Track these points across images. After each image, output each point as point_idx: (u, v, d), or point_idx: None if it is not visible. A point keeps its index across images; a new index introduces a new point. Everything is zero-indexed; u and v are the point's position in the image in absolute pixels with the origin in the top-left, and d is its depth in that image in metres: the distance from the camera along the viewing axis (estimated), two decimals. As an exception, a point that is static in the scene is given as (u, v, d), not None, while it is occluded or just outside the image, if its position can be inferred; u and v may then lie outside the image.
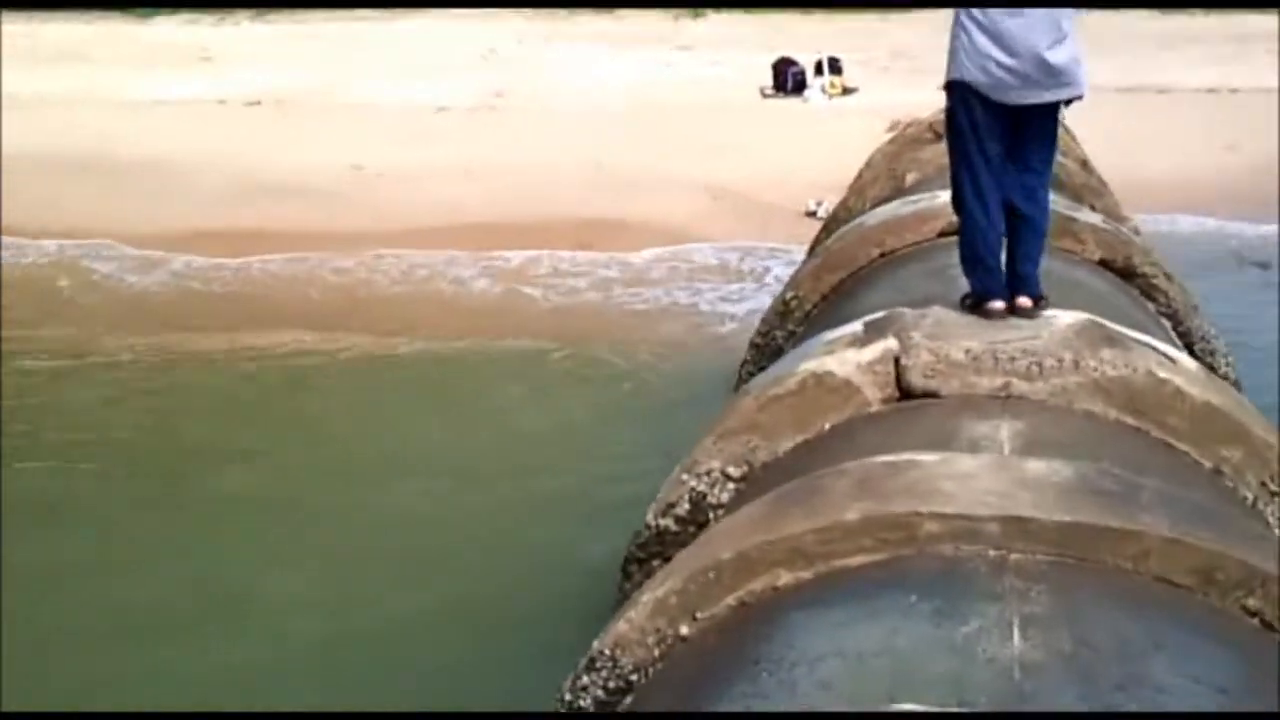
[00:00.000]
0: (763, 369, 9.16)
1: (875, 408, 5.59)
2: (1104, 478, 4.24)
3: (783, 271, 12.69)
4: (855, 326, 6.07)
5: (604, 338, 12.23)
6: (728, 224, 15.38)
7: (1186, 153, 17.31)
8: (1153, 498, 4.10)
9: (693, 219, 15.36)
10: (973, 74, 6.07)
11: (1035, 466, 4.29)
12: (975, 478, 4.17)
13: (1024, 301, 6.14)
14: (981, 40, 6.01)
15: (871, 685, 3.25)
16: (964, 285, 7.15)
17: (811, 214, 15.40)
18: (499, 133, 19.73)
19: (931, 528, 3.88)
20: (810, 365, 5.72)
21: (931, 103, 13.71)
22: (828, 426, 5.59)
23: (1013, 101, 6.08)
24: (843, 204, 12.68)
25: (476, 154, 18.16)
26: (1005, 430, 5.06)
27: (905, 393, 5.57)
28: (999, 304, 6.15)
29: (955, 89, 6.24)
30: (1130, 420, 5.36)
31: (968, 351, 5.52)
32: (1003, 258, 6.35)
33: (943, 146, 12.36)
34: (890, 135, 20.05)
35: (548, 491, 8.98)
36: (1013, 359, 5.48)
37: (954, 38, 6.17)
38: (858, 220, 9.59)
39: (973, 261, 6.39)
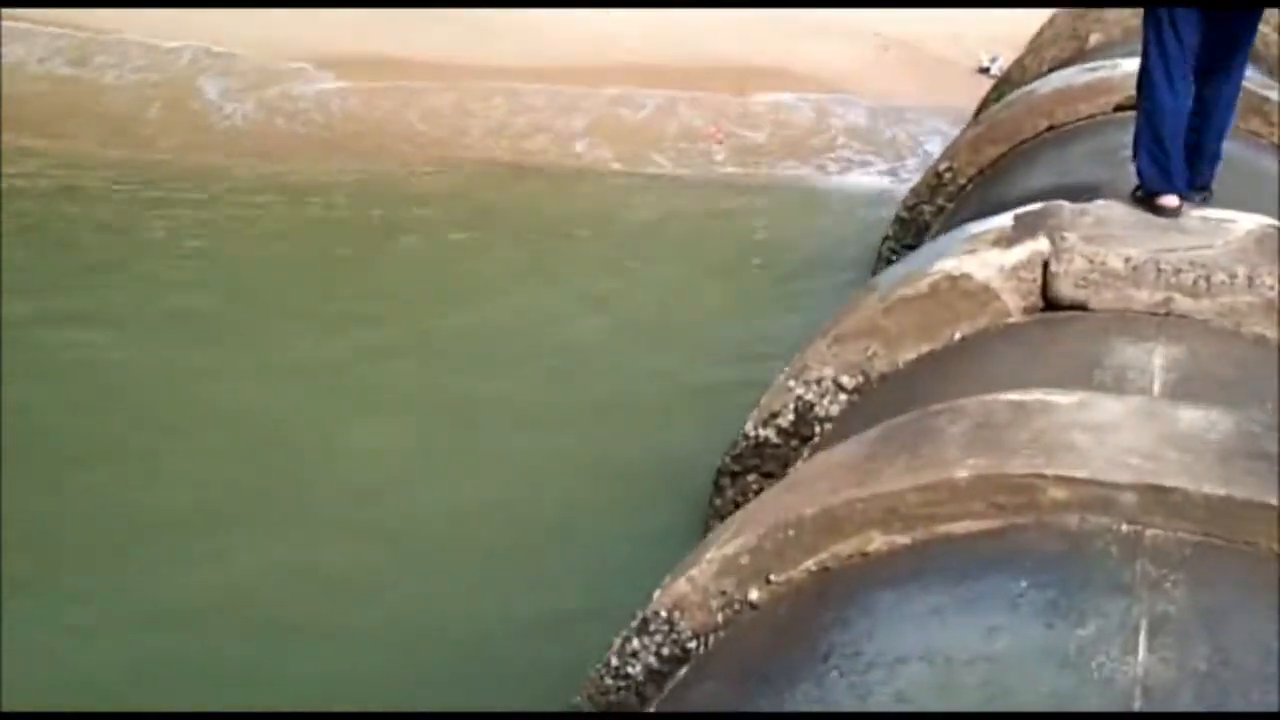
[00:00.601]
0: (907, 246, 8.51)
1: (1015, 318, 4.93)
2: (1270, 435, 3.55)
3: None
4: (1004, 220, 5.37)
5: (723, 209, 11.33)
6: (894, 78, 14.45)
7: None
8: (1330, 466, 3.41)
9: (857, 71, 14.47)
10: None
11: (1189, 417, 3.62)
12: (1115, 430, 3.52)
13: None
14: None
15: (957, 703, 2.69)
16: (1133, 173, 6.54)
17: (984, 70, 14.44)
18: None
19: (1056, 494, 3.26)
20: (946, 264, 5.06)
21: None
22: (958, 337, 4.95)
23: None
24: (1017, 63, 11.78)
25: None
26: (1159, 357, 4.39)
27: (1051, 303, 4.90)
28: (1173, 199, 5.47)
29: None
30: (1308, 350, 4.65)
31: (1127, 260, 4.81)
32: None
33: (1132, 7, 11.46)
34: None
35: (643, 391, 8.09)
36: (1178, 271, 4.77)
37: None
38: (1028, 87, 8.76)
39: (1151, 147, 5.67)
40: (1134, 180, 5.97)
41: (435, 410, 7.83)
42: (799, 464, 4.63)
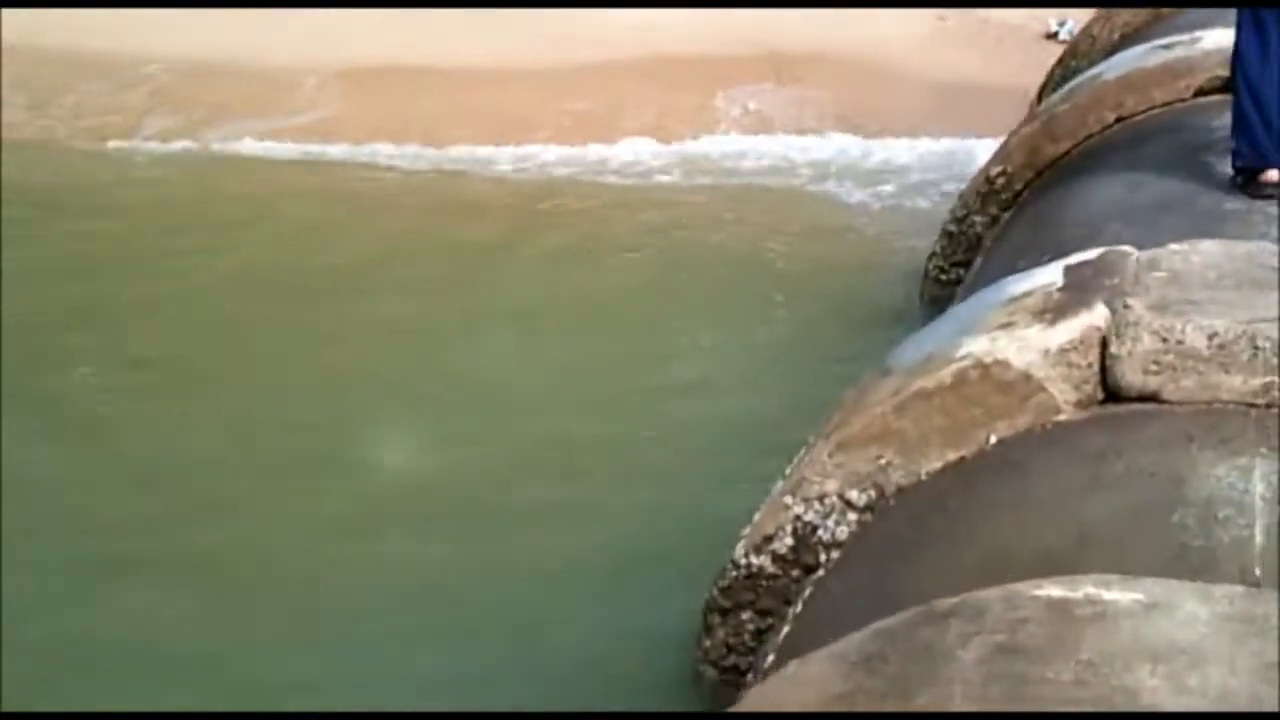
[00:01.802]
0: (958, 264, 7.34)
1: (1066, 414, 3.76)
2: None
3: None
4: (1051, 275, 4.19)
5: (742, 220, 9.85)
6: (953, 51, 13.12)
7: None
8: None
9: (911, 48, 13.16)
10: None
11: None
12: (1200, 659, 2.38)
13: None
14: None
15: None
16: (1222, 171, 5.66)
17: (1053, 35, 13.10)
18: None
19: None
20: (976, 346, 3.90)
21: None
22: (993, 440, 3.79)
23: None
24: (1085, 31, 10.50)
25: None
26: (1259, 481, 3.23)
27: (1113, 393, 3.73)
28: (1273, 174, 5.28)
29: None
30: None
31: (1212, 336, 3.62)
32: None
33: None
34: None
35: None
36: (1283, 348, 3.58)
37: None
38: (1092, 72, 7.51)
39: (1244, 121, 5.47)
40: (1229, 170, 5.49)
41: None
42: (755, 688, 3.48)
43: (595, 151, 11.39)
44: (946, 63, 12.78)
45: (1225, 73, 6.66)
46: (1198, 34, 7.17)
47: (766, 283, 8.45)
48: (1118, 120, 6.87)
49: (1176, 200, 5.33)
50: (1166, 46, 7.15)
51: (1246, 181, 5.38)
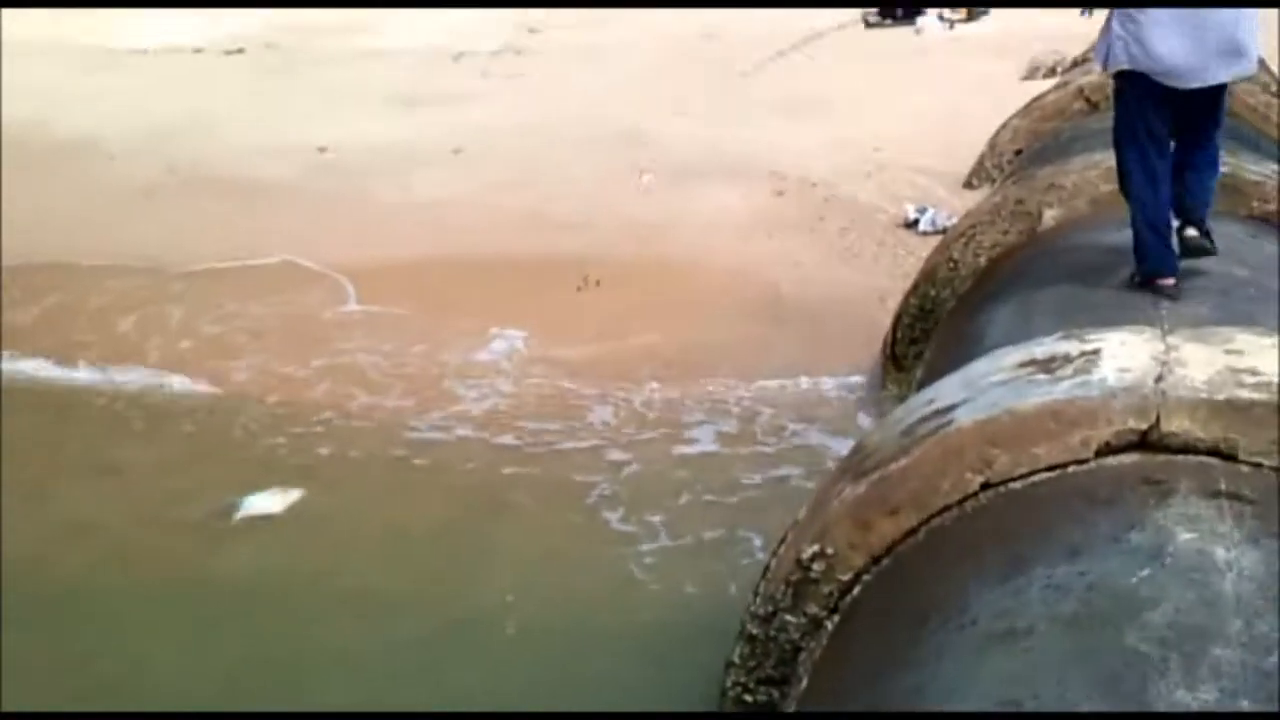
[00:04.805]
0: (765, 683, 5.10)
1: None
2: None
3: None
4: None
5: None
6: (792, 240, 10.94)
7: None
8: None
9: (747, 233, 10.98)
10: (1144, 62, 5.91)
11: None
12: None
13: (1190, 233, 6.13)
14: (1158, 24, 5.85)
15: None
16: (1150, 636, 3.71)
17: (911, 225, 11.02)
18: (515, 89, 15.56)
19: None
20: None
21: (1084, 34, 10.27)
22: None
23: (1188, 86, 5.93)
24: (944, 252, 8.37)
25: (479, 121, 14.05)
26: None
27: None
28: (1169, 280, 5.94)
29: (1126, 76, 6.07)
30: None
31: None
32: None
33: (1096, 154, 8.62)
34: (1027, 81, 16.36)
35: None
36: None
37: (1118, 23, 6.00)
38: (943, 397, 5.22)
39: (1143, 242, 6.12)
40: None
41: None
42: None
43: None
44: (782, 253, 10.63)
45: (1139, 424, 4.57)
46: (1090, 343, 5.02)
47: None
48: (985, 487, 4.68)
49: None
50: (1048, 366, 4.96)
51: (1144, 282, 6.04)
